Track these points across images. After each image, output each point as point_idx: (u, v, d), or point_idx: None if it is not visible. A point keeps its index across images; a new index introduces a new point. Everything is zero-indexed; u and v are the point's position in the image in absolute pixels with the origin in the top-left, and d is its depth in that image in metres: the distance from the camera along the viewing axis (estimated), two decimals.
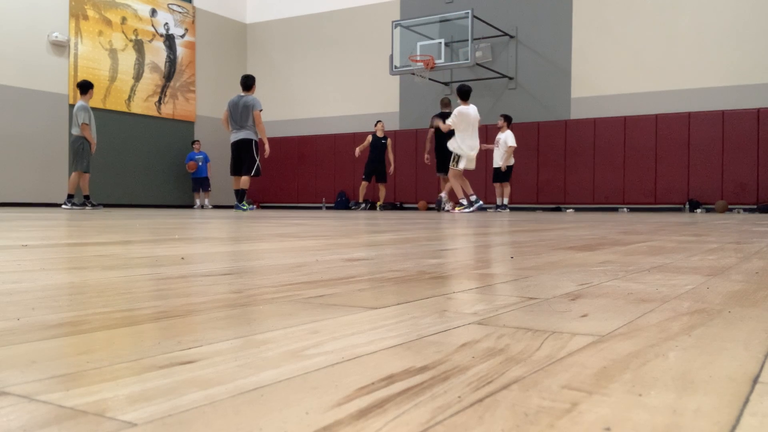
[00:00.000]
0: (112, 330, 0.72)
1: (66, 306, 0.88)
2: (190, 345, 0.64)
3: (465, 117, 9.65)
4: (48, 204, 11.90)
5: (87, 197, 9.90)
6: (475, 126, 9.83)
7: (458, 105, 9.88)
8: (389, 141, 12.60)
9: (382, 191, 12.63)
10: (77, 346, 0.64)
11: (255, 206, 10.29)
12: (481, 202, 9.91)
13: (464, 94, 9.83)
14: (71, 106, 12.23)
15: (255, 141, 9.74)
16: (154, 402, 0.45)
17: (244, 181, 9.76)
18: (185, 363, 0.57)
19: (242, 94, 9.77)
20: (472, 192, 9.90)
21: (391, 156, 12.52)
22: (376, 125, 12.59)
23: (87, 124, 9.54)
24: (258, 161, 9.73)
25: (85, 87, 9.75)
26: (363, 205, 12.66)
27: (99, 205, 10.71)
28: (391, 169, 12.55)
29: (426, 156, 11.59)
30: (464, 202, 9.74)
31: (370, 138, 12.53)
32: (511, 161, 11.04)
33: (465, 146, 9.69)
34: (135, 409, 0.44)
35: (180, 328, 0.73)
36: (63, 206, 9.68)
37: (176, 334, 0.69)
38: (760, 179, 10.70)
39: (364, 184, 12.51)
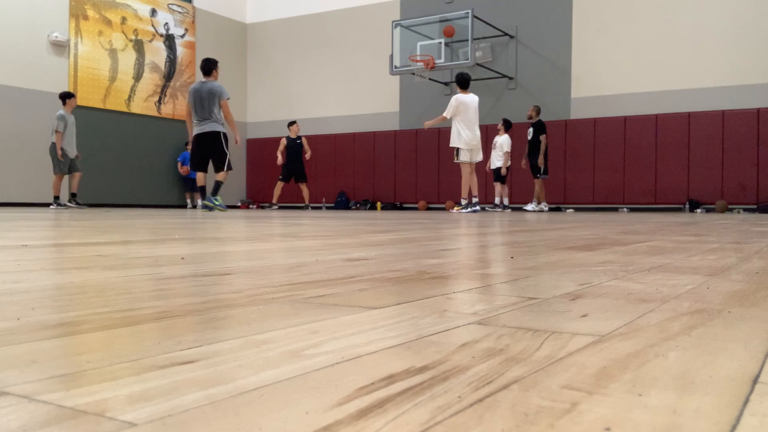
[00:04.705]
0: (112, 330, 0.72)
1: (66, 306, 0.88)
2: (190, 345, 0.64)
3: (464, 106, 9.37)
4: (48, 204, 11.90)
5: (74, 195, 10.34)
6: (474, 115, 9.51)
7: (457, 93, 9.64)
8: (304, 139, 12.69)
9: (305, 191, 12.63)
10: (77, 346, 0.64)
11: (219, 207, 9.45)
12: (478, 207, 9.83)
13: (463, 83, 9.51)
14: None
15: (223, 133, 8.78)
16: (154, 402, 0.45)
17: (220, 176, 8.82)
18: (185, 363, 0.57)
19: (204, 80, 8.81)
20: (476, 194, 9.73)
21: (307, 152, 12.49)
22: (290, 126, 12.62)
23: (60, 132, 10.06)
24: (228, 154, 8.81)
25: (66, 96, 10.25)
26: (275, 206, 12.61)
27: (84, 204, 11.03)
28: (307, 155, 12.48)
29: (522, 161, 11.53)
30: (463, 202, 9.69)
31: (284, 140, 12.58)
32: (508, 164, 11.19)
33: (463, 137, 9.41)
34: (135, 409, 0.44)
35: (180, 328, 0.73)
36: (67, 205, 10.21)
37: (176, 334, 0.69)
38: (760, 179, 10.70)
39: (279, 184, 12.55)
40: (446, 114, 9.52)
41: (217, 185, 8.90)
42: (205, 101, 8.65)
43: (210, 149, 8.77)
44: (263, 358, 0.59)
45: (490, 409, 0.44)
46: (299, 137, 12.59)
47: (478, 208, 9.77)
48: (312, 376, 0.53)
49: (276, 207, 12.58)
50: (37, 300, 0.93)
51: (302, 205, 12.85)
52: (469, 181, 9.60)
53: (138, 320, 0.78)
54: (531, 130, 11.12)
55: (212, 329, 0.72)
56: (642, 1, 11.56)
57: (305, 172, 12.61)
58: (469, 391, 0.49)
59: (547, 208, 11.21)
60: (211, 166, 8.88)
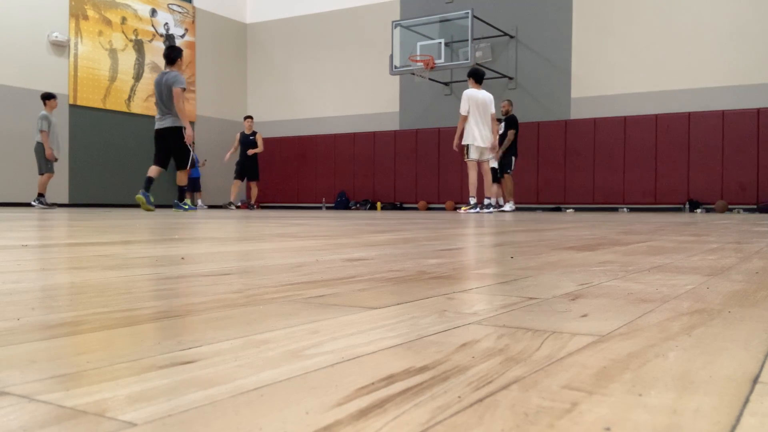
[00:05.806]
0: (112, 330, 0.72)
1: (66, 306, 0.88)
2: (190, 345, 0.64)
3: (473, 101, 9.07)
4: (48, 204, 11.90)
5: (41, 195, 10.40)
6: (486, 113, 9.18)
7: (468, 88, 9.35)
8: (258, 135, 12.61)
9: (254, 190, 12.51)
10: (77, 346, 0.64)
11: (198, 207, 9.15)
12: (478, 208, 9.68)
13: (477, 77, 9.21)
14: (71, 106, 12.25)
15: (184, 128, 8.27)
16: (154, 402, 0.45)
17: (180, 177, 8.45)
18: (185, 363, 0.57)
19: (166, 70, 8.27)
20: (488, 195, 9.49)
21: (259, 148, 12.42)
22: (244, 121, 12.58)
23: (45, 131, 10.12)
24: (192, 152, 8.38)
25: (46, 97, 10.26)
26: (233, 206, 12.33)
27: (53, 204, 11.12)
28: (259, 149, 12.43)
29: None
30: (472, 201, 9.51)
31: (238, 136, 12.55)
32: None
33: (476, 134, 9.12)
34: (135, 409, 0.44)
35: (180, 328, 0.73)
36: (37, 204, 10.30)
37: (176, 334, 0.69)
38: (760, 179, 10.71)
39: (236, 182, 12.45)
40: (462, 111, 9.17)
41: (181, 191, 8.57)
42: (163, 93, 8.10)
43: (170, 146, 8.25)
44: (263, 358, 0.59)
45: (490, 409, 0.44)
46: (254, 133, 12.55)
47: (479, 209, 9.53)
48: (312, 376, 0.53)
49: (234, 207, 12.34)
50: (37, 300, 0.93)
51: (251, 203, 12.79)
52: (476, 180, 9.40)
53: (138, 320, 0.78)
54: (503, 124, 10.73)
55: (212, 329, 0.72)
56: (642, 2, 11.56)
57: (257, 171, 12.53)
58: (469, 391, 0.49)
59: (513, 208, 10.79)
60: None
